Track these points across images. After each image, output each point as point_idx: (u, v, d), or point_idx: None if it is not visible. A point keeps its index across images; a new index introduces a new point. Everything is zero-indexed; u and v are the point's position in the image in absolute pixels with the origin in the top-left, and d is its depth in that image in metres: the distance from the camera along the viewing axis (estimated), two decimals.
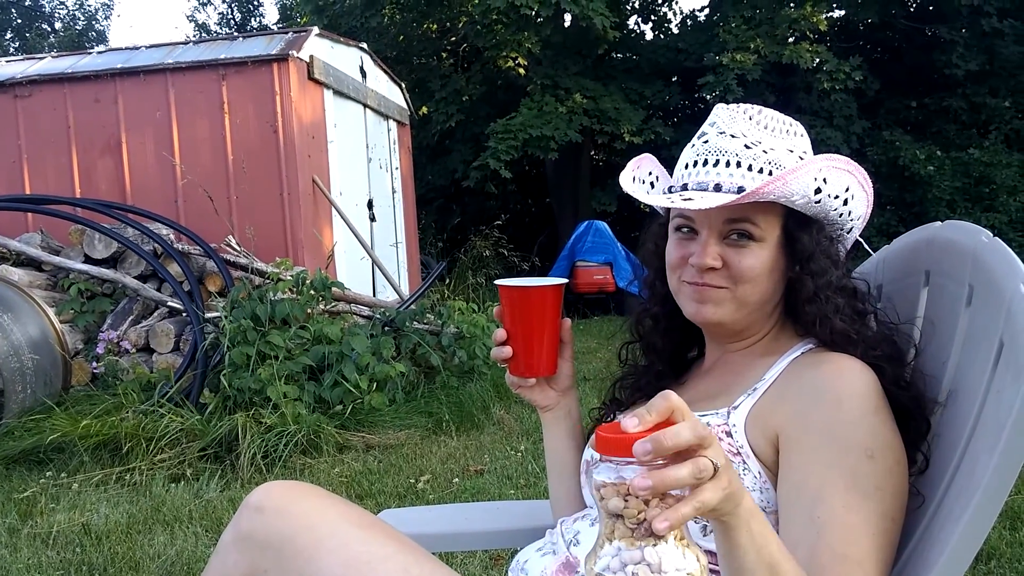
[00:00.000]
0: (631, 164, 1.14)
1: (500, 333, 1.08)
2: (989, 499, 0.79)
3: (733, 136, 1.01)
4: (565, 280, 1.09)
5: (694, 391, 1.11)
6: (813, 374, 0.95)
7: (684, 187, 1.03)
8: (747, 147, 1.00)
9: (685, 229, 1.04)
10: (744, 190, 0.97)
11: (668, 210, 1.09)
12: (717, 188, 0.99)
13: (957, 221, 0.99)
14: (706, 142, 1.02)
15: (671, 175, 1.10)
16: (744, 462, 0.93)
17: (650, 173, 1.16)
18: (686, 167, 1.03)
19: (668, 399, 0.66)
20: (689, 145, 1.05)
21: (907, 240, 1.12)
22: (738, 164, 0.99)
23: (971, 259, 0.92)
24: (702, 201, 0.98)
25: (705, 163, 1.01)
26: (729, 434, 0.95)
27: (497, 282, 1.08)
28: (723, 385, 1.05)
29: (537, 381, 1.14)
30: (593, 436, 0.69)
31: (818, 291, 1.00)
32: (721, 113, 1.04)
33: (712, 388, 1.07)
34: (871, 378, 0.92)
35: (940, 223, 1.04)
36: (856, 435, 0.89)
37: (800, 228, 1.01)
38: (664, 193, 1.09)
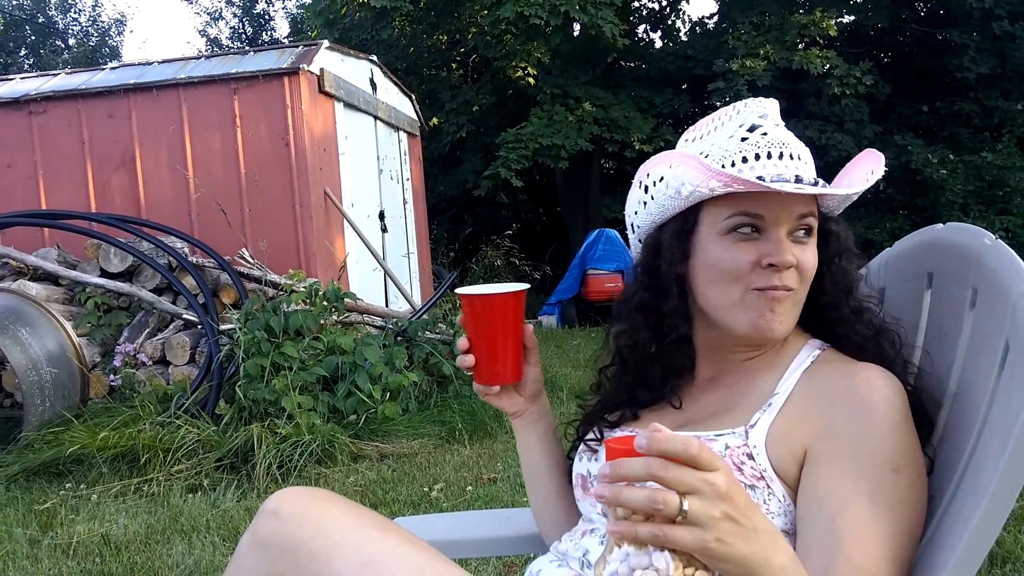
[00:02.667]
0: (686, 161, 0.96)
1: (463, 342, 1.07)
2: (997, 504, 0.79)
3: (786, 128, 0.97)
4: (527, 286, 1.06)
5: (696, 409, 1.04)
6: (841, 386, 0.92)
7: (759, 179, 0.92)
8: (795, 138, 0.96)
9: (748, 228, 0.94)
10: (819, 182, 0.95)
11: (692, 213, 0.97)
12: (798, 180, 0.93)
13: (959, 223, 0.99)
14: (764, 134, 0.95)
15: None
16: (768, 486, 0.90)
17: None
18: (745, 161, 0.93)
19: (694, 447, 0.65)
20: (732, 138, 0.96)
21: (909, 242, 1.11)
22: (800, 157, 0.95)
23: (974, 261, 0.92)
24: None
25: (772, 156, 0.93)
26: (751, 456, 0.91)
27: (458, 291, 1.06)
28: (730, 400, 1.00)
29: (503, 388, 1.11)
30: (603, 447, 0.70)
31: (843, 290, 0.99)
32: (768, 108, 0.99)
33: (718, 404, 1.01)
34: (899, 389, 0.91)
35: (942, 225, 1.03)
36: (884, 448, 0.87)
37: (830, 222, 1.00)
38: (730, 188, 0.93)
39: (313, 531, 0.94)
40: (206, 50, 19.61)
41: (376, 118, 6.97)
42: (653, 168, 1.00)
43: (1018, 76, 11.17)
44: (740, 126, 0.96)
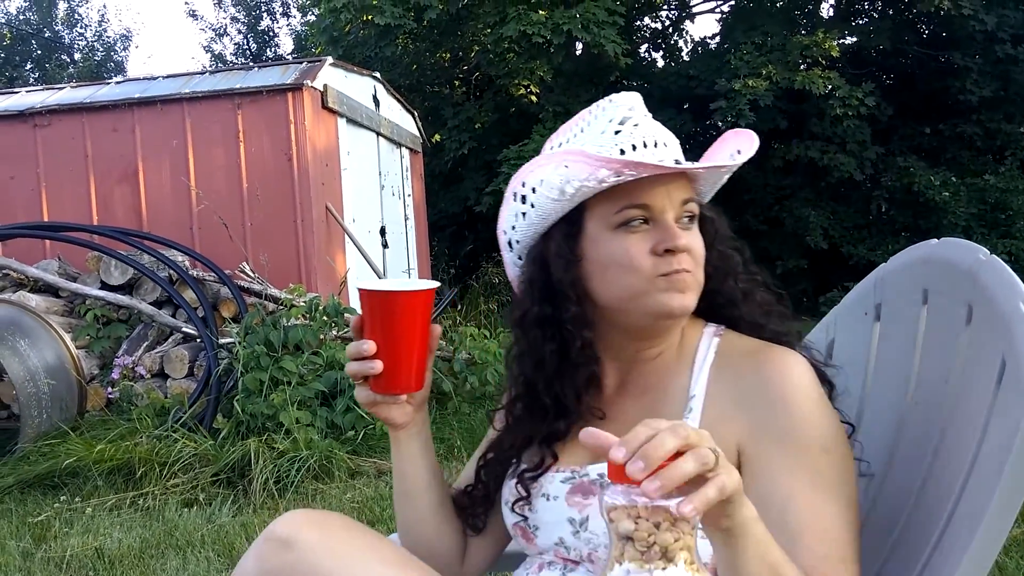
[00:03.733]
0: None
1: (368, 345, 0.93)
2: (997, 520, 0.79)
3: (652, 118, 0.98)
4: (437, 284, 0.97)
5: (614, 422, 0.99)
6: (755, 381, 0.93)
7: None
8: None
9: (638, 220, 0.93)
10: (680, 163, 0.96)
11: (576, 215, 0.96)
12: (678, 164, 0.95)
13: (954, 239, 0.99)
14: (636, 125, 0.95)
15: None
16: None
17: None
18: (623, 153, 0.93)
19: (648, 426, 0.67)
20: (604, 134, 0.96)
21: (904, 258, 1.11)
22: (670, 144, 0.96)
23: (969, 277, 0.92)
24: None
25: (647, 145, 0.94)
26: None
27: (361, 286, 0.95)
28: (646, 409, 0.98)
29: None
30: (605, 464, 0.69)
31: (728, 273, 1.01)
32: (633, 100, 0.99)
33: (637, 414, 0.96)
34: (807, 367, 0.93)
35: (936, 241, 1.03)
36: (810, 432, 0.89)
37: (705, 209, 1.00)
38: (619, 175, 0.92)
39: (331, 566, 0.87)
40: (211, 66, 19.75)
41: (378, 134, 7.00)
42: (528, 176, 0.98)
43: (1020, 99, 11.19)
44: (611, 121, 0.96)
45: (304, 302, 4.55)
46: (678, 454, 0.65)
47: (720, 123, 10.99)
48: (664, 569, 0.65)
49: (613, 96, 0.99)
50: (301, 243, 5.55)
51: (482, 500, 1.09)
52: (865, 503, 1.05)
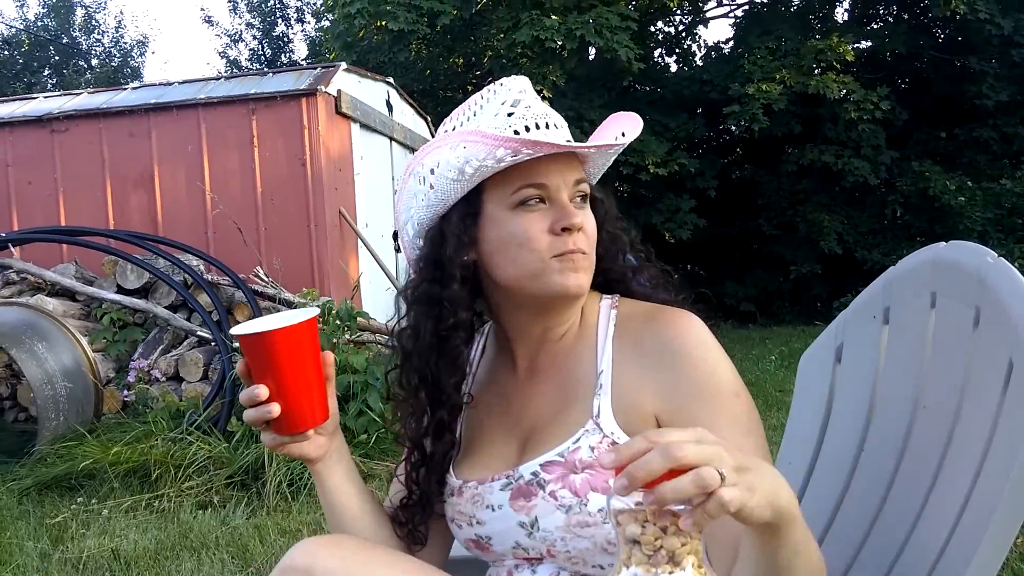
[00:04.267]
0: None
1: (260, 390, 0.90)
2: (1005, 523, 0.79)
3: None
4: (316, 310, 0.93)
5: (532, 417, 1.01)
6: (656, 345, 0.95)
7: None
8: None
9: (535, 200, 0.95)
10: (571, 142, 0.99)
11: (475, 196, 0.96)
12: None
13: (962, 241, 1.00)
14: (528, 107, 0.97)
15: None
16: None
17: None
18: (517, 134, 0.94)
19: (641, 441, 0.66)
20: (497, 116, 0.97)
21: (912, 261, 1.11)
22: (561, 126, 0.98)
23: (976, 280, 0.92)
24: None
25: (539, 126, 0.96)
26: (616, 443, 0.92)
27: (235, 331, 0.90)
28: (561, 395, 1.00)
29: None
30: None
31: (620, 251, 1.04)
32: (523, 84, 1.00)
33: (551, 402, 1.00)
34: (700, 322, 0.96)
35: (944, 244, 1.03)
36: (718, 382, 0.93)
37: (595, 191, 1.03)
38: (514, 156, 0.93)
39: None
40: (226, 71, 19.89)
41: (392, 139, 7.03)
42: (426, 157, 0.99)
43: None
44: (503, 104, 0.97)
45: (317, 306, 4.58)
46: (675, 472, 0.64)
47: (733, 127, 10.99)
48: (671, 573, 0.66)
49: (504, 80, 1.01)
50: (314, 247, 5.59)
51: (420, 508, 1.07)
52: (873, 506, 1.05)
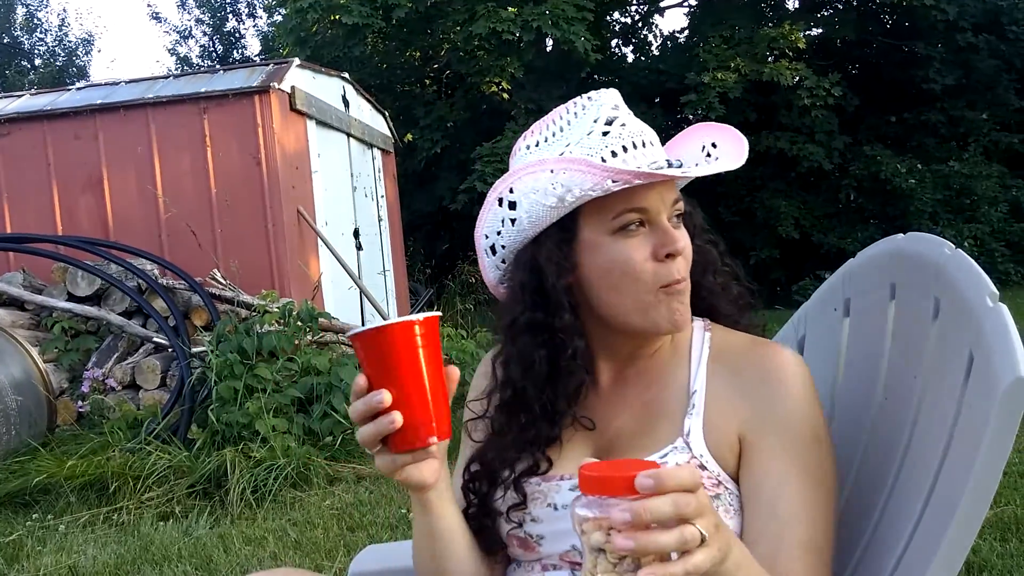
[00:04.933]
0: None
1: (383, 396, 0.80)
2: (968, 516, 0.79)
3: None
4: (438, 314, 0.85)
5: (615, 427, 0.99)
6: (756, 375, 0.95)
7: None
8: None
9: (635, 225, 0.92)
10: (682, 164, 0.97)
11: (570, 220, 0.93)
12: (669, 165, 0.95)
13: (920, 233, 1.00)
14: (623, 125, 0.94)
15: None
16: (727, 488, 0.92)
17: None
18: (615, 155, 0.91)
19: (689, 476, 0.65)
20: (591, 135, 0.93)
21: (871, 253, 1.11)
22: (656, 143, 0.96)
23: (935, 272, 0.92)
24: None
25: (636, 145, 0.93)
26: (703, 467, 0.92)
27: (351, 334, 0.83)
28: (650, 409, 0.98)
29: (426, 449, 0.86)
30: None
31: (707, 268, 1.02)
32: (616, 98, 0.97)
33: (638, 417, 0.98)
34: (804, 364, 0.96)
35: (903, 235, 1.04)
36: (805, 425, 0.92)
37: (686, 202, 1.00)
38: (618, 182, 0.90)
39: None
40: (176, 69, 19.51)
41: (349, 135, 6.95)
42: (516, 182, 0.95)
43: (982, 86, 11.39)
44: (595, 121, 0.94)
45: (277, 308, 4.51)
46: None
47: (691, 116, 11.06)
48: None
49: (592, 94, 0.97)
50: (273, 248, 5.50)
51: (483, 516, 1.03)
52: (839, 499, 1.05)
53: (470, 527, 1.02)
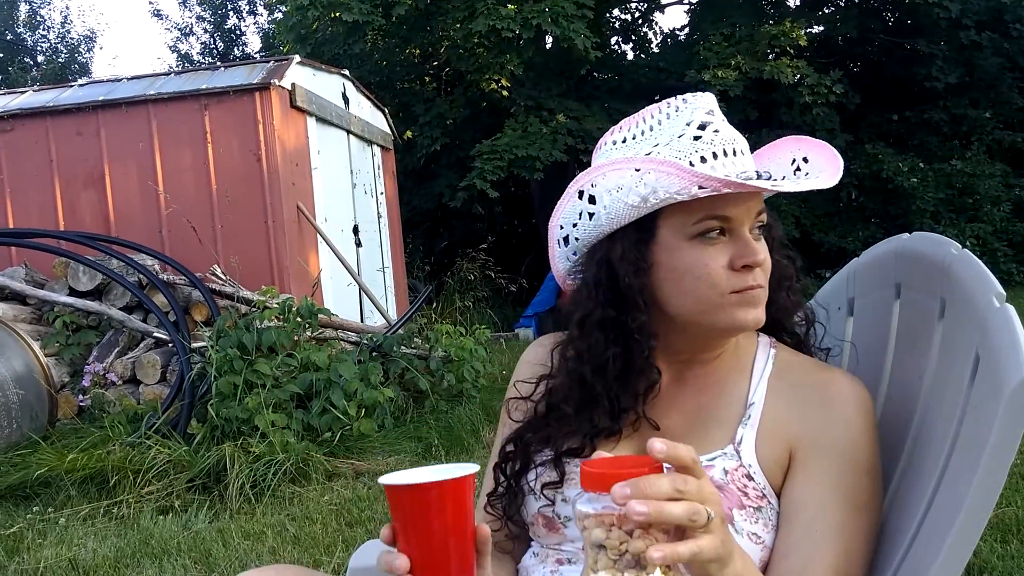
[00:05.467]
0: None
1: (400, 562, 0.78)
2: (973, 516, 0.78)
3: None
4: (475, 467, 0.80)
5: (667, 418, 0.99)
6: (816, 396, 0.94)
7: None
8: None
9: (715, 232, 0.91)
10: (771, 175, 0.95)
11: (650, 220, 0.93)
12: (759, 176, 0.93)
13: (925, 233, 0.99)
14: (716, 131, 0.92)
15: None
16: (770, 502, 0.92)
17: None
18: (704, 161, 0.90)
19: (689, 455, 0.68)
20: (682, 137, 0.92)
21: (875, 252, 1.11)
22: (746, 152, 0.94)
23: (941, 271, 0.92)
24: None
25: (727, 153, 0.91)
26: (750, 476, 0.91)
27: (383, 480, 0.79)
28: (705, 413, 0.98)
29: None
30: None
31: (781, 283, 1.01)
32: (711, 103, 0.96)
33: (693, 418, 0.98)
34: (867, 395, 0.94)
35: (908, 235, 1.03)
36: (858, 453, 0.91)
37: (769, 215, 0.99)
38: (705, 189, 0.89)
39: None
40: (177, 66, 19.48)
41: (349, 132, 6.94)
42: (599, 177, 0.94)
43: (985, 85, 11.36)
44: (688, 124, 0.93)
45: (277, 303, 4.51)
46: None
47: None
48: None
49: (687, 96, 0.96)
50: (273, 244, 5.49)
51: (512, 497, 1.02)
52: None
53: (496, 508, 1.03)
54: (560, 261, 1.02)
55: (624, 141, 0.97)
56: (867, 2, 12.14)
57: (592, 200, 0.94)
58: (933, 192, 10.66)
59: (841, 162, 0.97)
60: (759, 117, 10.87)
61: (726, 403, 0.97)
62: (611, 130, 1.00)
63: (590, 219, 0.95)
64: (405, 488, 0.78)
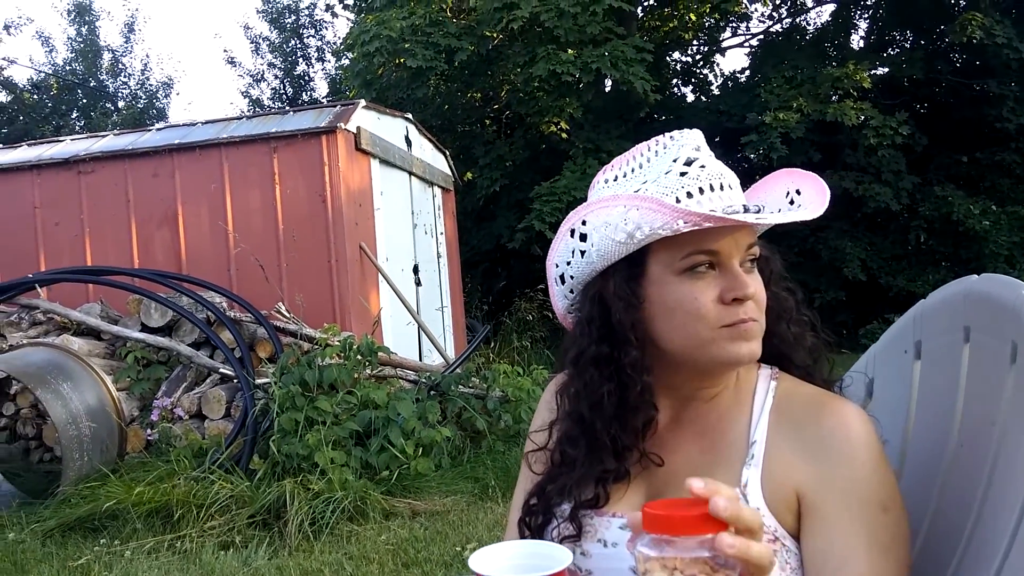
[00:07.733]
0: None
1: None
2: None
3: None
4: (569, 556, 0.78)
5: (670, 461, 0.97)
6: (818, 433, 0.92)
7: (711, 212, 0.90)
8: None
9: (704, 267, 0.92)
10: (760, 209, 0.95)
11: (639, 256, 0.93)
12: (746, 210, 0.92)
13: (995, 275, 0.97)
14: (703, 167, 0.93)
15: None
16: (784, 544, 0.89)
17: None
18: (690, 196, 0.91)
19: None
20: (669, 174, 0.93)
21: (943, 294, 1.08)
22: (735, 187, 0.95)
23: (1012, 315, 0.89)
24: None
25: (714, 188, 0.92)
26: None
27: (476, 568, 0.77)
28: (707, 454, 0.96)
29: None
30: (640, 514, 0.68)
31: (781, 316, 0.99)
32: (698, 139, 0.96)
33: (697, 458, 0.97)
34: (870, 424, 0.92)
35: (977, 276, 1.00)
36: (872, 490, 0.89)
37: (761, 246, 0.99)
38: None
39: None
40: (248, 111, 20.20)
41: (411, 174, 7.08)
42: (589, 214, 0.95)
43: None
44: (675, 160, 0.94)
45: (338, 341, 4.58)
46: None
47: (752, 156, 10.95)
48: None
49: (675, 133, 0.98)
50: (335, 283, 5.61)
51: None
52: (911, 550, 1.01)
53: None
54: (559, 299, 1.04)
55: (616, 179, 0.99)
56: (933, 44, 11.94)
57: (583, 238, 0.96)
58: (1007, 235, 10.31)
59: (827, 193, 0.97)
60: (822, 159, 10.72)
61: (729, 442, 0.96)
62: (604, 168, 1.02)
63: (582, 257, 0.96)
64: None
